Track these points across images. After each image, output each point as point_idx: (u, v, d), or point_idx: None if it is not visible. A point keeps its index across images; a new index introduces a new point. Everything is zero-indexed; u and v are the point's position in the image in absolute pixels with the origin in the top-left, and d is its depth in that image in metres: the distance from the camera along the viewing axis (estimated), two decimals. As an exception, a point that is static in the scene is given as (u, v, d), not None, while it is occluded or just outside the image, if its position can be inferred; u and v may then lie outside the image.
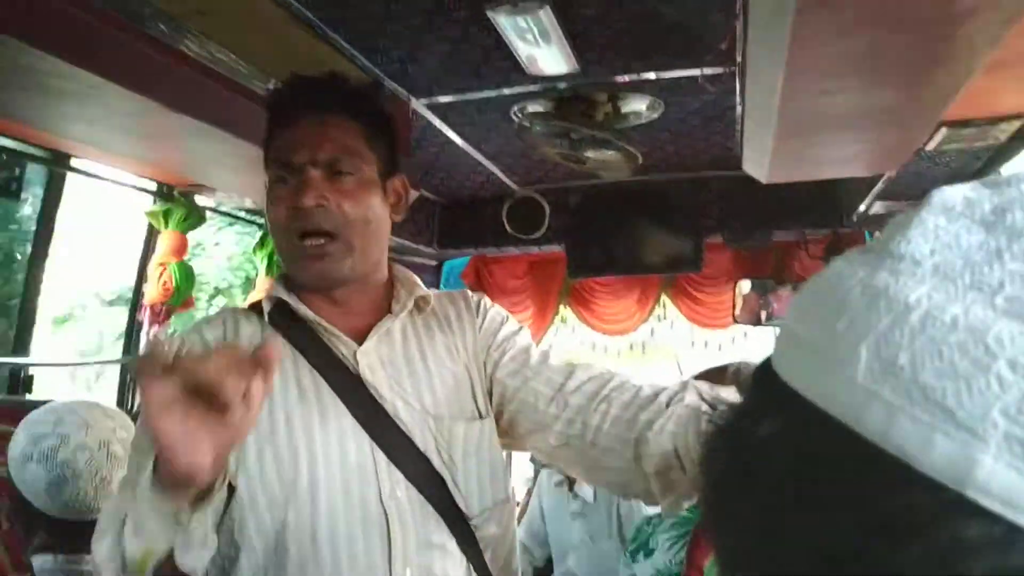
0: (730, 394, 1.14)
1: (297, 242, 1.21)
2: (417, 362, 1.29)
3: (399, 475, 1.19)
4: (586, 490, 3.13)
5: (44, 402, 2.01)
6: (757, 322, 5.16)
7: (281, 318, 1.27)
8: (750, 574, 0.39)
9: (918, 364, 0.33)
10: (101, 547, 1.00)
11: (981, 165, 2.64)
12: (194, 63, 1.68)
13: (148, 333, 2.98)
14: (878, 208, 3.30)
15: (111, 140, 2.07)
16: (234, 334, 1.27)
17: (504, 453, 1.36)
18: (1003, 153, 2.53)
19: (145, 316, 2.93)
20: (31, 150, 2.41)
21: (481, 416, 1.30)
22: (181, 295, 2.94)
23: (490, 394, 1.32)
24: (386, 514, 1.17)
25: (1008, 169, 2.79)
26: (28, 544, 1.34)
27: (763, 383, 0.41)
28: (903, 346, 0.33)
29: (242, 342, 1.24)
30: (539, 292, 5.08)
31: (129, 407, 3.01)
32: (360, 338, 1.26)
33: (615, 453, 1.14)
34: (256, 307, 1.30)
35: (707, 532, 0.45)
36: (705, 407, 1.09)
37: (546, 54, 1.98)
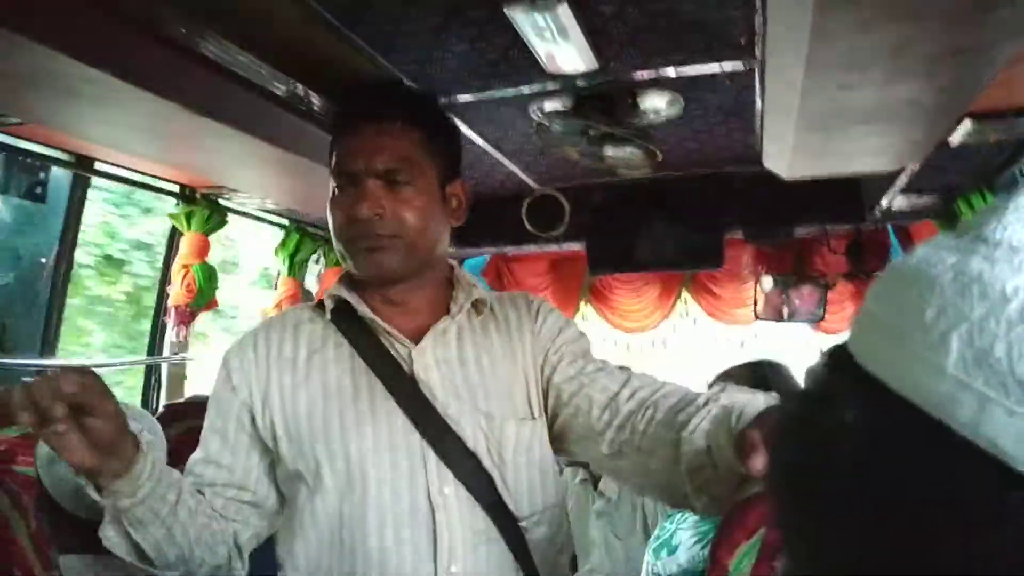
0: (750, 395, 1.12)
1: (355, 243, 1.26)
2: (471, 363, 1.30)
3: (448, 473, 1.21)
4: (611, 488, 3.12)
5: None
6: (779, 318, 5.13)
7: (342, 316, 1.31)
8: (822, 559, 0.39)
9: (1015, 356, 0.32)
10: None
11: (1006, 158, 2.61)
12: (214, 65, 1.69)
13: (174, 334, 3.01)
14: (901, 203, 3.26)
15: (133, 143, 2.10)
16: (296, 333, 1.31)
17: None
18: (1029, 146, 2.50)
19: (170, 317, 2.96)
20: (55, 154, 2.43)
21: (533, 417, 1.30)
22: (205, 296, 2.97)
23: (545, 397, 1.32)
24: (433, 510, 1.20)
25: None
26: (54, 544, 1.35)
27: (839, 369, 0.41)
28: (999, 336, 0.32)
29: (301, 339, 1.30)
30: (559, 290, 5.09)
31: (153, 407, 3.04)
32: (417, 338, 1.29)
33: (656, 456, 1.13)
34: (321, 305, 1.34)
35: (775, 518, 0.44)
36: (739, 407, 1.08)
37: (565, 51, 1.97)
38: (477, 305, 1.36)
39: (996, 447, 0.31)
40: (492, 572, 1.22)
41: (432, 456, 1.22)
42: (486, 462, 1.24)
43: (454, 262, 1.43)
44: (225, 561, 1.22)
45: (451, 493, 1.21)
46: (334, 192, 1.30)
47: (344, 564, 1.20)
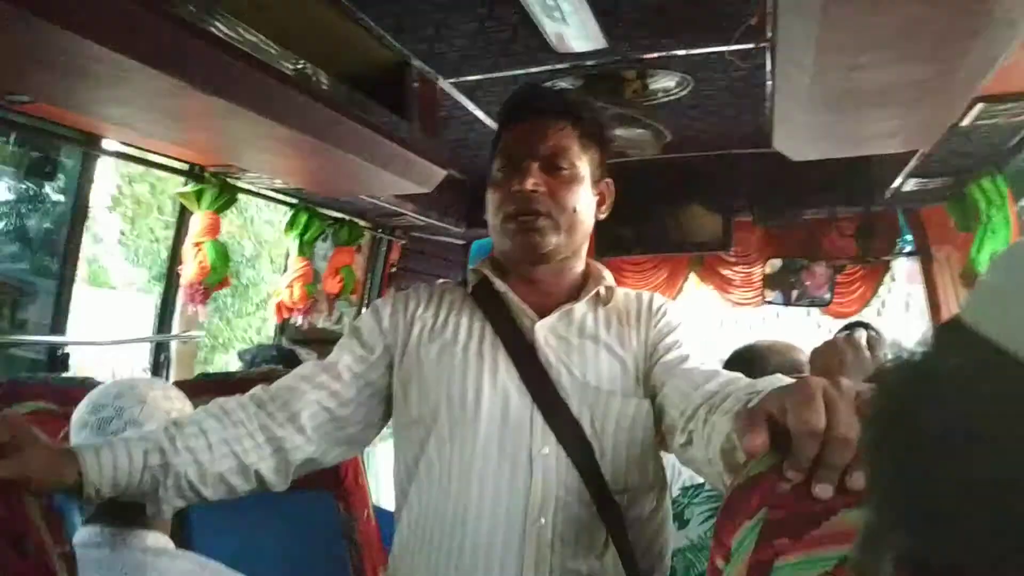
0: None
1: (511, 219, 1.39)
2: (588, 342, 1.41)
3: (551, 436, 1.33)
4: None
5: (82, 379, 2.05)
6: (787, 301, 5.12)
7: (482, 291, 1.47)
8: (919, 504, 0.40)
9: None
10: None
11: (1017, 141, 2.59)
12: (223, 44, 1.69)
13: (187, 310, 3.03)
14: (911, 185, 3.25)
15: (143, 121, 2.10)
16: (439, 297, 1.50)
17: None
18: (1040, 128, 2.48)
19: (182, 295, 2.98)
20: (64, 131, 2.44)
21: (641, 396, 1.39)
22: (217, 274, 2.98)
23: (648, 384, 1.40)
24: (532, 466, 1.31)
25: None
26: (68, 517, 1.37)
27: (952, 331, 0.42)
28: None
29: (443, 304, 1.48)
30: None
31: (163, 385, 3.06)
32: (544, 315, 1.42)
33: (712, 444, 1.13)
34: (465, 282, 1.51)
35: (871, 466, 0.46)
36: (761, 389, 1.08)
37: (573, 31, 1.96)
38: (605, 293, 1.47)
39: None
40: (579, 532, 1.31)
41: (539, 418, 1.34)
42: (587, 431, 1.33)
43: (596, 262, 1.55)
44: (251, 486, 1.29)
45: (551, 453, 1.32)
46: (497, 176, 1.43)
47: (449, 506, 1.32)
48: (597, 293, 1.46)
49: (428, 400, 1.37)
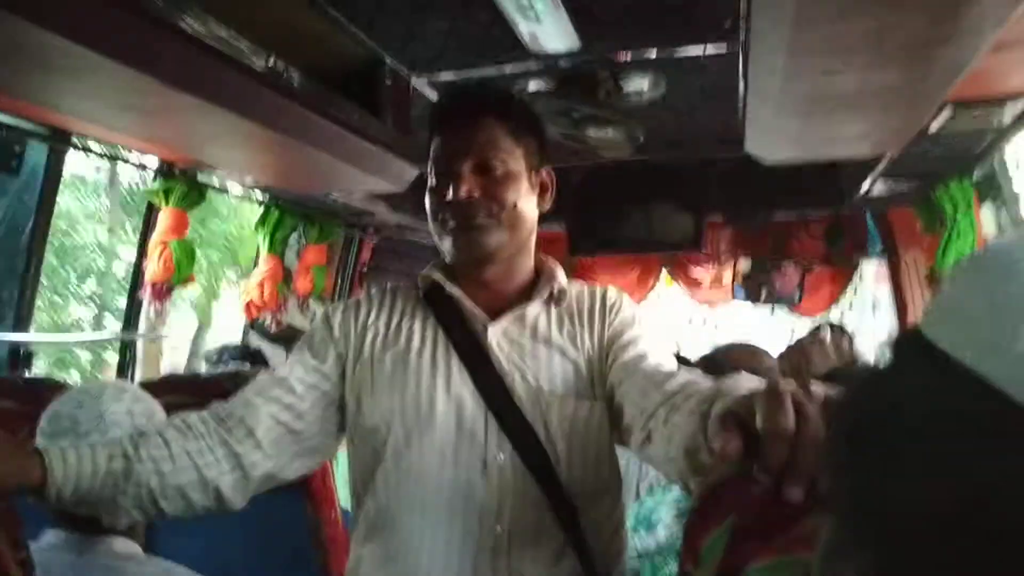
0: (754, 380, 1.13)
1: (449, 222, 1.37)
2: (541, 344, 1.40)
3: (507, 442, 1.32)
4: None
5: (43, 379, 2.02)
6: (756, 300, 5.17)
7: (433, 295, 1.45)
8: (878, 521, 0.40)
9: None
10: None
11: (985, 146, 2.63)
12: (192, 40, 1.67)
13: (150, 310, 2.99)
14: (880, 189, 3.29)
15: (110, 117, 2.06)
16: (391, 303, 1.47)
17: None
18: (1007, 134, 2.52)
19: (146, 294, 2.93)
20: (30, 127, 2.39)
21: (593, 399, 1.38)
22: (182, 272, 2.94)
23: (604, 384, 1.39)
24: (487, 472, 1.31)
25: (1012, 151, 2.79)
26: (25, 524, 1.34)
27: (910, 344, 0.42)
28: None
29: (395, 309, 1.46)
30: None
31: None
32: (497, 317, 1.40)
33: (673, 443, 1.14)
34: (416, 286, 1.49)
35: (832, 480, 0.46)
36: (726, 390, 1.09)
37: (547, 31, 1.96)
38: (558, 294, 1.44)
39: None
40: (536, 538, 1.31)
41: (493, 424, 1.33)
42: (542, 436, 1.33)
43: (548, 259, 1.53)
44: (209, 503, 1.26)
45: (506, 459, 1.31)
46: (431, 184, 1.41)
47: (404, 515, 1.32)
48: (550, 292, 1.44)
49: (382, 409, 1.36)
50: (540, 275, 1.48)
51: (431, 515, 1.30)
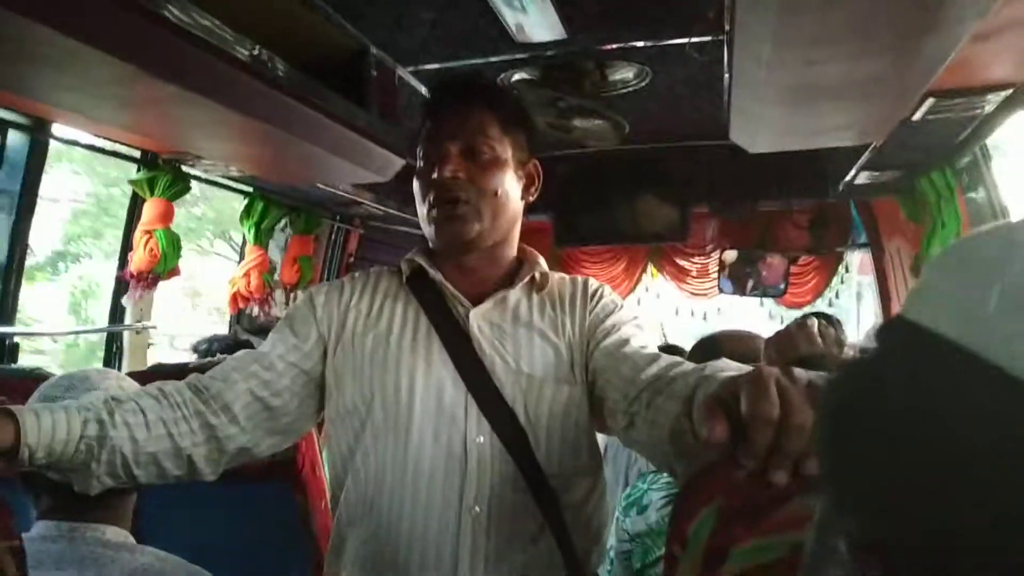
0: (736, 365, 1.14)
1: (434, 208, 1.38)
2: (522, 329, 1.41)
3: (486, 424, 1.33)
4: None
5: (29, 370, 2.00)
6: (742, 291, 5.19)
7: (416, 279, 1.46)
8: (871, 491, 0.41)
9: None
10: None
11: (967, 135, 2.65)
12: (176, 29, 1.65)
13: (135, 299, 2.97)
14: (864, 178, 3.30)
15: (93, 107, 2.05)
16: (374, 286, 1.48)
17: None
18: (989, 124, 2.54)
19: (131, 283, 2.92)
20: (12, 117, 2.37)
21: (573, 383, 1.39)
22: (168, 262, 2.93)
23: (586, 371, 1.41)
24: (466, 454, 1.32)
25: (994, 140, 2.81)
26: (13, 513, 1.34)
27: (890, 329, 0.44)
28: None
29: (378, 292, 1.47)
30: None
31: (115, 376, 3.00)
32: (479, 303, 1.42)
33: (658, 425, 1.16)
34: (400, 270, 1.50)
35: (823, 457, 0.47)
36: (712, 375, 1.09)
37: (533, 21, 1.96)
38: (539, 280, 1.46)
39: None
40: (515, 520, 1.32)
41: (474, 407, 1.34)
42: (521, 418, 1.34)
43: (529, 248, 1.54)
44: (182, 472, 1.27)
45: (485, 442, 1.32)
46: (419, 167, 1.43)
47: (384, 497, 1.32)
48: (532, 279, 1.45)
49: (362, 391, 1.37)
50: (522, 263, 1.49)
51: (410, 497, 1.31)
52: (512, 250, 1.50)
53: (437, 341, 1.39)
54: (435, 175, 1.37)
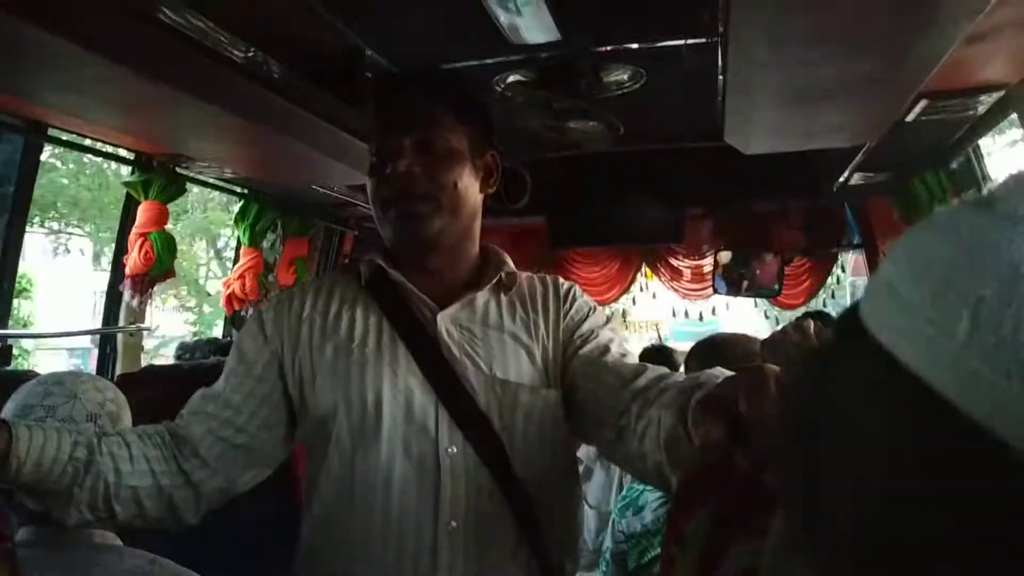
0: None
1: (390, 206, 1.32)
2: (493, 332, 1.35)
3: (458, 433, 1.27)
4: (588, 455, 3.11)
5: (21, 373, 2.00)
6: (737, 292, 5.19)
7: (376, 282, 1.38)
8: (821, 515, 0.40)
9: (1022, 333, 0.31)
10: None
11: (960, 137, 2.66)
12: (171, 31, 1.65)
13: (131, 303, 2.97)
14: (857, 179, 3.31)
15: (87, 109, 2.05)
16: (328, 292, 1.40)
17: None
18: (982, 125, 2.54)
19: (126, 286, 2.91)
20: (5, 119, 2.37)
21: (548, 387, 1.35)
22: (163, 265, 2.92)
23: (563, 376, 1.37)
24: (439, 467, 1.26)
25: (987, 142, 2.82)
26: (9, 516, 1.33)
27: (849, 335, 0.41)
28: (1008, 315, 0.32)
29: (334, 297, 1.39)
30: (521, 263, 5.04)
31: (110, 377, 3.00)
32: (444, 305, 1.35)
33: (647, 437, 1.15)
34: (356, 272, 1.41)
35: (779, 474, 0.45)
36: (703, 381, 1.09)
37: (527, 22, 1.96)
38: (507, 280, 1.41)
39: (992, 425, 0.32)
40: (492, 531, 1.27)
41: (445, 415, 1.28)
42: (496, 425, 1.29)
43: (493, 245, 1.49)
44: (160, 514, 1.24)
45: (459, 452, 1.27)
46: (372, 162, 1.36)
47: (355, 512, 1.27)
48: (499, 279, 1.40)
49: (325, 404, 1.30)
50: (487, 262, 1.44)
51: (381, 513, 1.26)
52: (475, 247, 1.44)
53: (402, 347, 1.32)
54: (389, 170, 1.31)
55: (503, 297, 1.40)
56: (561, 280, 1.48)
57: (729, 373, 1.08)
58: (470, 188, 1.36)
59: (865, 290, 0.42)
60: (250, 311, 3.70)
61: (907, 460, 0.35)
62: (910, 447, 0.35)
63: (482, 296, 1.38)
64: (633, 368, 1.28)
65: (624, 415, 1.21)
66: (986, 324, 0.32)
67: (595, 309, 1.44)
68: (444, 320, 1.33)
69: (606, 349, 1.35)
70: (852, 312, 0.42)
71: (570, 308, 1.41)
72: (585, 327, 1.38)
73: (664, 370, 1.28)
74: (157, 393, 1.40)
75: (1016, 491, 0.31)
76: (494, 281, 1.39)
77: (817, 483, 0.40)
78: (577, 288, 1.48)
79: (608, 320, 1.45)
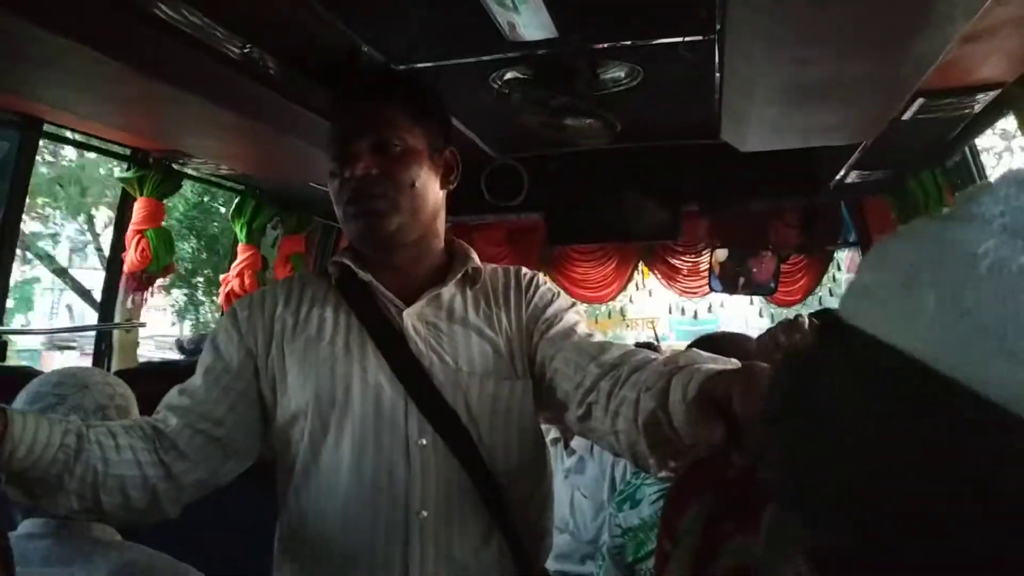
0: (710, 358, 1.14)
1: (350, 207, 1.35)
2: (458, 326, 1.39)
3: (428, 427, 1.31)
4: (582, 445, 3.12)
5: (18, 368, 2.00)
6: (733, 290, 5.20)
7: (345, 281, 1.42)
8: (812, 497, 0.42)
9: (985, 308, 0.37)
10: None
11: (956, 135, 2.66)
12: (167, 27, 1.65)
13: (129, 299, 2.97)
14: (854, 177, 3.31)
15: (83, 105, 2.05)
16: (300, 292, 1.43)
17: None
18: (978, 123, 2.55)
19: (123, 283, 2.91)
20: (0, 115, 2.36)
21: (516, 377, 1.38)
22: (160, 261, 2.92)
23: (532, 364, 1.39)
24: (409, 459, 1.29)
25: (982, 141, 2.82)
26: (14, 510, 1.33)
27: (832, 329, 0.45)
28: (968, 289, 0.37)
29: (305, 297, 1.42)
30: (519, 260, 5.08)
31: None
32: (411, 301, 1.38)
33: (621, 416, 1.16)
34: (327, 272, 1.45)
35: (766, 457, 0.48)
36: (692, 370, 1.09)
37: (524, 20, 1.96)
38: (472, 275, 1.44)
39: (956, 376, 0.36)
40: (463, 521, 1.30)
41: (414, 409, 1.31)
42: (464, 417, 1.32)
43: (459, 241, 1.51)
44: (145, 505, 1.25)
45: (428, 444, 1.30)
46: (332, 166, 1.38)
47: (328, 506, 1.30)
48: (465, 274, 1.43)
49: (297, 400, 1.34)
50: (452, 257, 1.46)
51: (354, 506, 1.29)
52: (439, 243, 1.46)
53: (371, 344, 1.36)
54: (347, 174, 1.33)
55: (468, 291, 1.44)
56: (524, 270, 1.50)
57: (707, 355, 1.10)
58: (429, 186, 1.39)
59: (843, 296, 0.46)
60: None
61: (894, 419, 0.38)
62: (896, 409, 0.38)
63: (447, 291, 1.41)
64: (599, 345, 1.30)
65: (592, 392, 1.23)
66: (951, 302, 0.38)
67: (559, 295, 1.47)
68: (410, 317, 1.37)
69: (571, 331, 1.37)
70: (830, 312, 0.46)
71: (533, 296, 1.44)
72: (549, 312, 1.41)
73: (630, 346, 1.31)
74: (154, 389, 1.40)
75: (982, 433, 0.36)
76: (459, 276, 1.42)
77: (807, 460, 0.42)
78: (541, 276, 1.50)
79: (573, 305, 1.47)
